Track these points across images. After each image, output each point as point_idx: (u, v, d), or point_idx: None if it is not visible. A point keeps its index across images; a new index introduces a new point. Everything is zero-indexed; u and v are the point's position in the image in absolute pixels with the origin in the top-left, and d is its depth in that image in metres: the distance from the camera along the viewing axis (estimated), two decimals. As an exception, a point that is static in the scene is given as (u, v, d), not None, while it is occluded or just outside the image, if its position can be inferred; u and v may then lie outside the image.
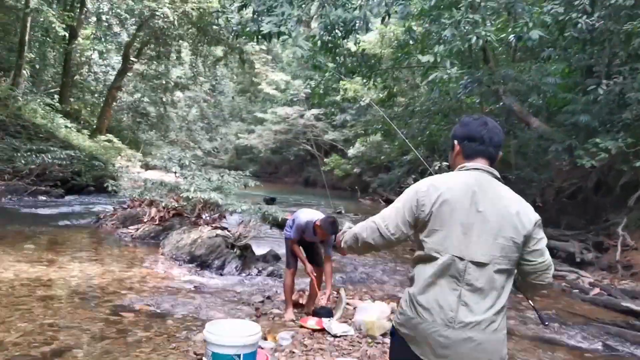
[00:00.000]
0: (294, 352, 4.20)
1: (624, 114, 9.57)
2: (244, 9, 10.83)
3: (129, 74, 27.32)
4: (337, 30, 11.43)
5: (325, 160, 30.17)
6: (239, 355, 3.09)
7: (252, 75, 31.94)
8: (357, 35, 13.34)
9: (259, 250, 8.54)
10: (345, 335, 4.73)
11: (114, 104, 27.37)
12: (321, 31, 11.66)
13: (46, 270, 6.28)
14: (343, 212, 16.08)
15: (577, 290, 8.22)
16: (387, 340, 4.69)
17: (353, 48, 14.11)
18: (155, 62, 28.40)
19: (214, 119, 42.74)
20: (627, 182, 10.57)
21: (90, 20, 26.15)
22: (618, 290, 8.07)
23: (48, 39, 23.17)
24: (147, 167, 19.70)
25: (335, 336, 4.70)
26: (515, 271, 2.14)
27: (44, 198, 13.70)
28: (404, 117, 17.93)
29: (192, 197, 8.52)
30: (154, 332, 4.44)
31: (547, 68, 11.91)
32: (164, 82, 30.05)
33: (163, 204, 9.44)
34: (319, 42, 11.86)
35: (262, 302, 5.90)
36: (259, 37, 10.04)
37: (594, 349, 5.39)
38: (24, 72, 20.34)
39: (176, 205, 9.41)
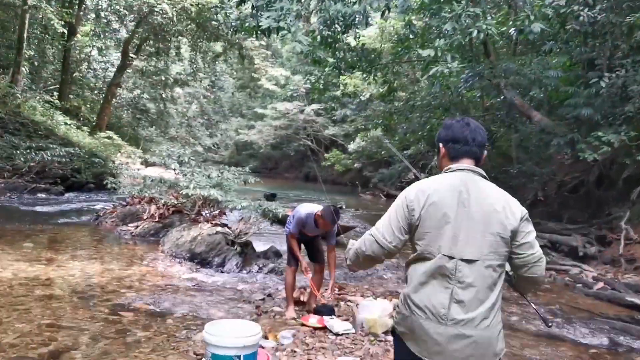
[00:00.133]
0: (295, 352, 4.14)
1: (626, 106, 9.50)
2: (243, 4, 10.74)
3: (129, 70, 27.21)
4: (336, 25, 11.37)
5: (325, 155, 30.12)
6: (239, 357, 3.03)
7: (251, 71, 31.82)
8: (357, 30, 13.28)
9: (259, 246, 8.50)
10: (347, 334, 4.67)
11: (114, 100, 27.25)
12: (320, 26, 11.61)
13: (45, 269, 6.23)
14: (344, 207, 16.02)
15: (580, 285, 8.15)
16: (390, 338, 4.63)
17: (353, 43, 14.03)
18: (154, 59, 28.26)
19: (214, 115, 42.61)
20: (630, 176, 10.51)
21: (89, 16, 26.03)
22: (622, 284, 8.00)
23: (47, 36, 23.04)
24: (147, 163, 19.63)
25: (337, 334, 4.64)
26: (511, 272, 2.23)
27: (43, 195, 13.67)
28: (405, 112, 17.84)
29: (192, 194, 8.47)
30: (153, 332, 4.39)
31: (549, 61, 11.82)
32: (163, 78, 29.92)
33: (163, 201, 9.40)
34: (318, 37, 11.79)
35: (263, 299, 5.84)
36: (258, 32, 9.97)
37: (599, 344, 5.33)
38: (23, 69, 20.25)
39: (176, 202, 9.36)
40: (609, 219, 10.70)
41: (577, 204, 11.94)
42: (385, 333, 4.72)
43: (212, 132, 43.22)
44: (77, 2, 23.46)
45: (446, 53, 9.64)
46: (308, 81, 20.19)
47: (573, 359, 4.82)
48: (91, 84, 29.14)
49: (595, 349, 5.16)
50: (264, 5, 9.46)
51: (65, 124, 19.84)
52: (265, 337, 4.31)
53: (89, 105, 27.88)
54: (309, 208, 5.16)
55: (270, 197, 15.19)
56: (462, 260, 2.03)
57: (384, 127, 21.11)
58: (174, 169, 9.70)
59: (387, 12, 11.32)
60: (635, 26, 9.44)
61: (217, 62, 30.80)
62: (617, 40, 10.52)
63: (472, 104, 16.20)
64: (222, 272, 7.20)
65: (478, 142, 2.19)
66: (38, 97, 19.74)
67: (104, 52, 26.94)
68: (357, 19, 11.23)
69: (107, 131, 23.54)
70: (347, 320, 5.08)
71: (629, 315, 6.46)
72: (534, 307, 2.75)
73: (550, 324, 2.78)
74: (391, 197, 22.69)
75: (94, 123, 24.67)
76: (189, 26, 25.15)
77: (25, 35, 18.95)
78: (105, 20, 25.20)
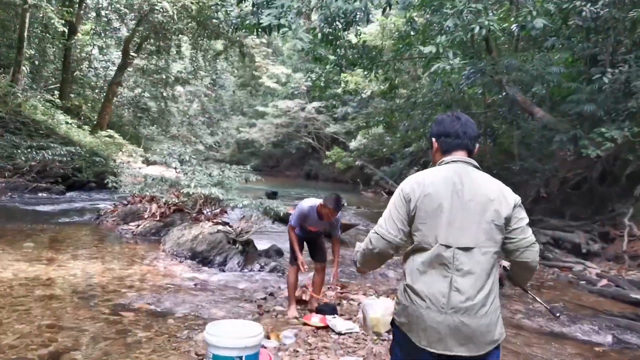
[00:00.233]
0: (297, 351, 4.09)
1: (629, 102, 9.45)
2: (244, 2, 10.69)
3: (129, 69, 27.15)
4: (337, 22, 11.31)
5: (327, 153, 30.06)
6: (240, 357, 2.98)
7: (252, 69, 31.78)
8: (358, 27, 13.23)
9: (261, 245, 8.45)
10: (350, 333, 4.63)
11: (115, 99, 27.19)
12: (321, 23, 11.53)
13: (45, 269, 6.20)
14: (345, 204, 15.96)
15: (584, 282, 8.11)
16: (393, 336, 4.60)
17: (354, 40, 13.97)
18: (155, 57, 28.20)
19: (215, 113, 42.53)
20: (633, 172, 10.45)
21: (89, 15, 25.98)
22: (626, 281, 7.96)
23: (47, 34, 23.02)
24: (148, 162, 19.61)
25: (339, 334, 4.59)
26: (508, 266, 2.36)
27: (44, 195, 13.65)
28: (406, 109, 17.77)
29: (193, 192, 8.42)
30: (154, 332, 4.34)
31: (551, 57, 11.76)
32: (164, 76, 29.86)
33: (164, 200, 9.36)
34: (319, 35, 11.72)
35: (265, 299, 5.79)
36: (259, 30, 9.90)
37: (604, 342, 5.29)
38: (24, 68, 20.23)
39: (177, 201, 9.33)
40: (612, 215, 10.65)
41: (580, 200, 11.88)
42: (389, 332, 4.68)
43: (213, 131, 43.14)
44: (78, 0, 23.41)
45: (448, 49, 9.59)
46: (309, 79, 20.10)
47: (578, 357, 4.77)
48: (92, 83, 29.10)
49: (600, 347, 5.12)
50: (265, 3, 9.41)
51: (66, 123, 19.82)
52: (267, 337, 4.28)
53: (90, 104, 27.84)
54: (311, 202, 5.14)
55: (272, 196, 15.13)
56: (459, 248, 2.08)
57: (385, 125, 21.06)
58: (175, 168, 9.66)
59: (388, 8, 11.27)
60: (638, 21, 9.37)
61: (217, 60, 30.73)
62: (620, 35, 10.46)
63: (473, 101, 16.14)
64: (223, 271, 7.16)
65: (469, 135, 2.26)
66: (39, 96, 19.71)
67: (105, 50, 26.87)
68: (358, 16, 11.17)
69: (108, 130, 23.49)
70: (350, 319, 5.04)
71: (633, 312, 6.40)
72: (539, 300, 2.91)
73: (558, 314, 2.96)
74: (392, 195, 22.59)
75: (95, 122, 24.63)
76: (190, 24, 25.10)
77: (25, 34, 18.93)
78: (106, 19, 25.13)
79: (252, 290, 6.20)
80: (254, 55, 28.00)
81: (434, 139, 2.34)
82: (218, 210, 9.19)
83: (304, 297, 5.61)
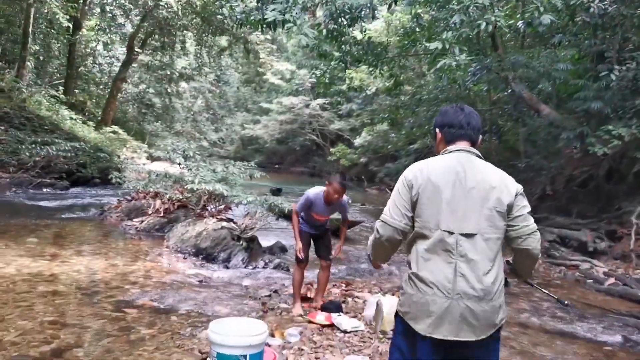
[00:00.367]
0: (302, 350, 4.04)
1: (637, 100, 9.36)
2: (248, -3, 10.63)
3: (134, 65, 27.14)
4: (342, 19, 11.23)
5: (331, 150, 29.99)
6: (245, 356, 2.93)
7: (257, 65, 31.74)
8: (363, 24, 13.13)
9: (265, 242, 8.42)
10: (356, 331, 4.57)
11: (119, 95, 27.19)
12: (326, 19, 11.46)
13: (49, 264, 6.16)
14: (350, 201, 15.91)
15: (591, 280, 8.04)
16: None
17: (359, 36, 13.88)
18: (159, 53, 28.17)
19: (220, 110, 42.53)
20: (640, 170, 10.37)
21: (94, 11, 25.96)
22: (633, 280, 7.88)
23: (52, 30, 23.02)
24: (152, 158, 19.58)
25: (345, 332, 4.54)
26: (511, 260, 2.38)
27: (48, 190, 13.63)
28: (411, 106, 17.68)
29: (197, 188, 8.38)
30: (157, 329, 4.29)
31: (557, 54, 11.66)
32: (168, 72, 29.83)
33: (168, 196, 9.32)
34: (324, 31, 11.65)
35: (269, 296, 5.74)
36: (264, 25, 9.83)
37: (613, 341, 5.21)
38: (28, 64, 20.24)
39: (181, 197, 9.28)
40: (619, 213, 10.55)
41: (587, 198, 11.79)
42: (393, 330, 4.63)
43: (217, 127, 43.15)
44: (82, -4, 23.39)
45: (454, 45, 9.50)
46: (314, 75, 20.05)
47: (587, 357, 4.70)
48: (96, 79, 29.13)
49: (609, 347, 5.05)
50: (269, -2, 9.34)
51: (71, 118, 19.82)
52: (272, 335, 4.22)
53: (94, 100, 27.87)
54: (317, 189, 5.12)
55: (276, 192, 15.10)
56: (462, 234, 2.13)
57: (390, 121, 20.97)
58: (179, 164, 9.61)
59: (393, 4, 11.19)
60: (647, 18, 9.29)
61: (222, 57, 30.71)
62: (628, 32, 10.36)
63: (478, 98, 16.05)
64: (227, 267, 7.11)
65: (472, 125, 2.32)
66: (43, 92, 19.70)
67: (110, 46, 26.85)
68: (363, 12, 11.10)
69: (113, 126, 23.49)
70: (355, 317, 4.99)
71: (642, 311, 6.34)
72: (545, 291, 3.00)
73: (566, 303, 2.97)
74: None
75: (99, 118, 24.64)
76: (194, 20, 25.05)
77: (30, 29, 18.92)
78: (111, 15, 25.11)
79: (256, 287, 6.15)
80: (259, 52, 27.97)
81: (437, 129, 2.40)
82: (222, 207, 9.15)
83: (308, 295, 5.57)
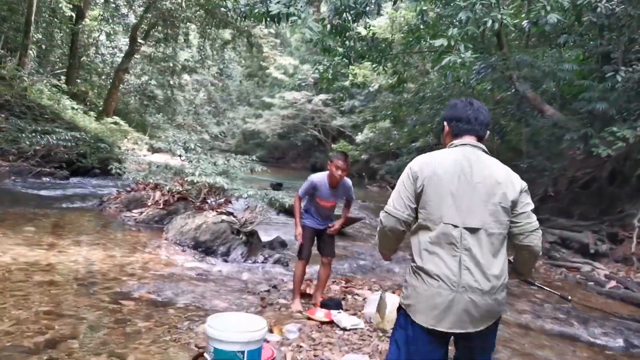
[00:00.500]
0: (301, 347, 3.96)
1: (643, 102, 9.29)
2: (253, -11, 10.51)
3: (136, 56, 27.07)
4: (347, 14, 11.15)
5: (332, 146, 29.91)
6: (242, 352, 2.86)
7: (260, 59, 31.62)
8: (367, 20, 13.03)
9: (265, 236, 8.35)
10: (355, 329, 4.50)
11: (121, 86, 27.12)
12: (331, 14, 11.38)
13: (46, 254, 6.07)
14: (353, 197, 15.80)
15: (592, 283, 7.98)
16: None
17: (363, 32, 13.79)
18: (162, 45, 28.10)
19: (222, 103, 42.45)
20: (644, 173, 10.30)
21: (97, 1, 25.88)
22: (635, 283, 7.82)
23: (55, 19, 22.91)
24: (153, 150, 19.51)
25: (344, 329, 4.47)
26: (512, 258, 2.40)
27: (48, 179, 13.53)
28: (414, 103, 17.60)
29: (197, 181, 8.30)
30: (154, 323, 4.22)
31: (562, 54, 11.58)
32: (171, 64, 29.76)
33: (167, 188, 9.24)
34: (328, 26, 11.56)
35: (268, 291, 5.66)
36: (268, 18, 9.75)
37: (615, 345, 5.15)
38: (30, 52, 20.13)
39: (181, 189, 9.20)
40: (621, 216, 10.49)
41: (589, 200, 11.73)
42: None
43: (219, 120, 43.07)
44: (86, -15, 23.29)
45: (459, 43, 9.43)
46: (317, 71, 19.96)
47: (588, 361, 4.65)
48: (99, 69, 29.03)
49: (611, 351, 4.99)
50: (274, -9, 9.24)
51: (72, 108, 19.74)
52: (270, 331, 4.16)
53: (96, 91, 27.80)
54: (321, 173, 5.07)
55: (277, 187, 15.03)
56: (466, 228, 2.16)
57: (393, 119, 20.88)
58: (180, 155, 9.53)
59: (398, 0, 11.10)
60: (654, 19, 9.20)
61: (225, 50, 30.58)
62: (634, 33, 10.27)
63: (482, 97, 15.94)
64: (226, 261, 7.04)
65: (480, 121, 2.34)
66: (45, 81, 19.62)
67: (112, 37, 26.79)
68: (368, 8, 11.02)
69: (114, 117, 23.43)
70: (355, 314, 4.92)
71: (644, 315, 6.28)
72: (547, 288, 3.05)
73: (569, 297, 3.18)
74: (398, 190, 22.46)
75: (100, 108, 24.57)
76: (198, 12, 24.95)
77: (33, 18, 18.79)
78: (114, 5, 25.05)
79: (255, 282, 6.08)
80: (262, 46, 27.89)
81: (445, 122, 2.43)
82: (222, 200, 9.07)
83: (308, 291, 5.50)
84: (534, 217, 2.28)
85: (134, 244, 7.33)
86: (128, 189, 10.71)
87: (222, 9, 22.79)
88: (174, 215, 8.75)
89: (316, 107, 31.34)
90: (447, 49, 9.54)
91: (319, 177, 5.00)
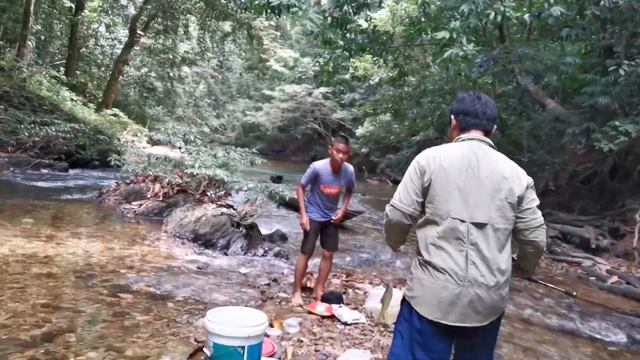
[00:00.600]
0: (302, 341, 3.91)
1: (646, 96, 9.23)
2: (253, -20, 10.41)
3: (136, 47, 26.91)
4: (348, 6, 11.07)
5: (332, 139, 29.81)
6: (243, 347, 2.81)
7: (260, 52, 31.50)
8: (368, 12, 12.93)
9: (265, 229, 8.30)
10: (357, 324, 4.45)
11: (121, 78, 26.99)
12: (332, 6, 11.30)
13: (44, 246, 6.02)
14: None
15: (593, 278, 7.94)
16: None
17: (364, 24, 13.70)
18: (162, 36, 27.95)
19: (222, 96, 42.33)
20: (647, 167, 10.25)
21: (96, -8, 25.72)
22: (636, 278, 7.79)
23: (54, 10, 22.83)
24: (152, 142, 19.44)
25: (345, 324, 4.42)
26: (515, 255, 2.41)
27: (47, 171, 13.48)
28: (415, 97, 17.51)
29: (197, 173, 8.24)
30: (153, 316, 4.16)
31: (564, 48, 11.50)
32: (171, 56, 29.61)
33: (167, 180, 9.17)
34: (329, 18, 11.48)
35: (268, 284, 5.61)
36: (268, 10, 9.66)
37: (618, 341, 5.12)
38: (29, 43, 20.04)
39: (180, 182, 9.15)
40: (622, 210, 10.46)
41: (590, 194, 11.68)
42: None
43: (219, 113, 42.96)
44: (85, -24, 23.15)
45: (462, 35, 9.35)
46: (317, 63, 19.87)
47: (592, 357, 4.60)
48: (98, 61, 28.91)
49: (614, 347, 4.95)
50: (275, -18, 9.15)
51: (71, 99, 19.67)
52: (271, 325, 4.10)
53: (95, 82, 27.69)
54: (322, 160, 5.05)
55: (277, 180, 14.96)
56: (473, 223, 2.16)
57: (394, 112, 20.79)
58: (180, 147, 9.47)
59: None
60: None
61: (225, 42, 30.44)
62: (637, 27, 10.19)
63: (483, 90, 15.83)
64: (226, 254, 6.98)
65: (488, 115, 2.33)
66: (44, 72, 19.54)
67: (112, 28, 26.68)
68: (369, 0, 10.94)
69: (114, 108, 23.36)
70: (356, 309, 4.87)
71: (646, 311, 6.24)
72: (551, 285, 3.19)
73: (574, 293, 3.16)
74: (398, 183, 22.28)
75: (100, 100, 24.47)
76: (198, 4, 24.81)
77: (32, 8, 18.71)
78: (114, -4, 24.88)
79: (255, 275, 6.03)
80: (262, 38, 27.73)
81: (452, 116, 2.42)
82: (222, 193, 9.01)
83: (308, 285, 5.45)
84: (539, 213, 2.29)
85: (133, 236, 7.27)
86: (127, 181, 10.65)
87: (222, 0, 22.66)
88: (173, 207, 8.69)
89: (316, 100, 31.21)
90: (449, 42, 9.47)
91: (321, 163, 4.97)
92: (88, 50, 27.38)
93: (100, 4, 24.80)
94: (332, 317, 4.57)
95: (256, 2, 10.02)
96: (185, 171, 8.78)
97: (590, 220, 10.47)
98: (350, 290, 5.70)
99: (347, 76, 24.20)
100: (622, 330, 5.39)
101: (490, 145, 2.31)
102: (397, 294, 4.51)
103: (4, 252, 5.52)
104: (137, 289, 4.88)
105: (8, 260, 5.24)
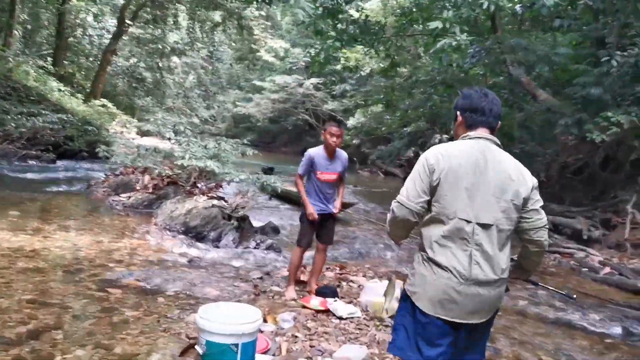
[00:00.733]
0: (296, 337, 3.82)
1: (637, 87, 9.19)
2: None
3: (125, 37, 26.56)
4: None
5: (323, 130, 29.68)
6: (236, 345, 2.72)
7: (250, 42, 31.21)
8: (360, 2, 12.81)
9: (257, 222, 8.20)
10: (352, 318, 4.37)
11: (109, 68, 26.64)
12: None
13: (30, 239, 5.88)
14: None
15: (586, 269, 7.91)
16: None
17: (355, 15, 13.59)
18: (151, 26, 27.59)
19: (212, 87, 42.01)
20: (638, 158, 10.22)
21: (84, -20, 25.33)
22: (629, 269, 7.76)
23: (41, -1, 22.44)
24: (142, 133, 19.23)
25: (340, 318, 4.33)
26: (516, 256, 2.44)
27: (34, 163, 13.30)
28: (407, 88, 17.42)
29: (187, 164, 8.12)
30: (143, 312, 4.05)
31: (557, 39, 11.46)
32: (160, 47, 29.25)
33: (157, 172, 9.03)
34: (320, 8, 11.35)
35: (261, 278, 5.51)
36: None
37: (614, 333, 5.06)
38: (16, 32, 19.72)
39: (170, 173, 9.01)
40: (614, 202, 10.46)
41: (581, 186, 11.69)
42: (392, 317, 4.45)
43: (209, 104, 42.62)
44: (73, -36, 22.78)
45: (455, 25, 9.26)
46: (308, 54, 19.74)
47: (589, 349, 4.55)
48: (86, 51, 28.49)
49: (610, 339, 4.90)
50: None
51: (59, 90, 19.39)
52: (264, 320, 4.00)
53: (83, 72, 27.34)
54: (316, 147, 4.99)
55: (268, 171, 14.82)
56: (479, 224, 2.17)
57: (385, 103, 20.69)
58: (169, 138, 9.32)
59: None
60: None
61: (215, 32, 30.15)
62: (629, 18, 10.15)
63: (474, 81, 15.79)
64: (217, 247, 6.88)
65: (494, 113, 2.33)
66: (31, 62, 19.22)
67: (100, 17, 26.29)
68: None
69: (102, 99, 23.06)
70: (350, 302, 4.79)
71: (640, 302, 6.21)
72: (550, 287, 3.16)
73: (574, 296, 3.21)
74: (389, 175, 22.43)
75: (88, 90, 24.17)
76: (187, -7, 24.52)
77: (18, -3, 18.38)
78: (102, -15, 24.51)
79: (247, 268, 5.92)
80: (253, 28, 27.50)
81: (458, 112, 2.39)
82: (213, 184, 8.89)
83: (301, 278, 5.36)
84: (543, 213, 2.30)
85: (122, 229, 7.15)
86: (116, 172, 10.49)
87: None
88: (163, 199, 8.57)
89: (307, 91, 31.03)
90: (442, 32, 9.37)
91: (315, 150, 4.91)
92: (76, 40, 26.97)
93: (88, -7, 24.46)
94: (326, 311, 4.48)
95: (247, -9, 9.89)
96: (175, 163, 8.66)
97: (582, 212, 10.47)
98: (344, 284, 5.62)
99: (339, 67, 24.06)
100: (617, 323, 5.34)
101: (496, 144, 2.30)
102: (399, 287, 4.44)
103: (-11, 245, 5.39)
104: (126, 283, 4.77)
105: (-7, 254, 5.11)
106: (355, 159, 25.52)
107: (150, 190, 9.07)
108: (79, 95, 21.38)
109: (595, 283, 7.25)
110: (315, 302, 4.60)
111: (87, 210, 8.37)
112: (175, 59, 33.33)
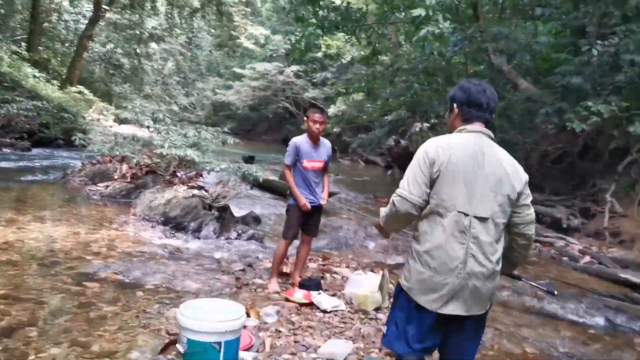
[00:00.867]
0: (280, 331, 3.74)
1: (617, 76, 9.23)
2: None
3: (101, 22, 25.99)
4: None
5: (304, 118, 29.54)
6: (219, 343, 2.63)
7: (230, 29, 30.83)
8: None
9: (238, 211, 8.08)
10: (336, 311, 4.30)
11: (86, 54, 26.08)
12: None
13: (3, 231, 5.70)
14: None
15: (566, 258, 7.97)
16: (381, 315, 4.31)
17: (337, 1, 13.45)
18: (128, 11, 27.07)
19: (191, 74, 41.51)
20: (617, 148, 10.30)
21: (59, -37, 24.75)
22: (608, 258, 7.83)
23: (14, -18, 21.84)
24: (120, 121, 18.89)
25: (325, 312, 4.26)
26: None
27: (8, 151, 12.99)
28: (388, 76, 17.33)
29: (167, 153, 7.96)
30: (121, 307, 3.93)
31: (538, 27, 11.46)
32: (138, 32, 28.75)
33: (135, 161, 8.84)
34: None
35: (243, 270, 5.40)
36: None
37: (596, 324, 5.09)
38: (-12, 17, 19.19)
39: (149, 162, 8.84)
40: (593, 191, 10.56)
41: (561, 175, 11.76)
42: (376, 310, 4.39)
43: (188, 91, 42.15)
44: (47, -53, 22.20)
45: (437, 13, 9.19)
46: (288, 41, 19.53)
47: (572, 340, 4.55)
48: (62, 36, 27.86)
49: (593, 330, 4.92)
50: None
51: (34, 76, 18.94)
52: (247, 314, 3.91)
53: (59, 58, 26.72)
54: (300, 136, 4.94)
55: (249, 160, 14.72)
56: (476, 217, 2.19)
57: (366, 91, 20.62)
58: (148, 126, 9.13)
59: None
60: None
61: (194, 18, 29.71)
62: (609, 7, 10.17)
63: (455, 70, 15.76)
64: (198, 238, 6.76)
65: (491, 107, 2.35)
66: (5, 48, 18.75)
67: (76, 2, 25.69)
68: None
69: (78, 86, 22.61)
70: (334, 295, 4.72)
71: (621, 292, 6.25)
72: (534, 284, 3.18)
73: (555, 292, 3.23)
74: (370, 163, 22.42)
75: (64, 77, 23.65)
76: (165, -22, 24.09)
77: (-11, -20, 17.86)
78: (77, -32, 23.94)
79: (229, 260, 5.81)
80: (232, 14, 27.17)
81: (455, 105, 2.39)
82: (193, 174, 8.74)
83: (284, 270, 5.27)
84: (532, 208, 2.36)
85: (99, 219, 6.98)
86: (93, 161, 10.28)
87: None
88: (142, 189, 8.40)
89: (288, 79, 30.81)
90: (424, 20, 9.30)
91: (300, 138, 4.87)
92: (51, 25, 26.35)
93: (63, -23, 23.90)
94: (310, 304, 4.40)
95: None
96: (154, 151, 8.48)
97: (562, 201, 10.55)
98: (328, 275, 5.54)
99: (319, 54, 23.87)
100: (599, 313, 5.36)
101: (491, 137, 2.33)
102: (377, 279, 4.38)
103: (-40, 238, 5.20)
104: (104, 276, 4.64)
105: (-36, 247, 4.94)
106: (336, 147, 25.40)
107: (129, 180, 8.88)
108: (55, 81, 20.92)
109: (575, 272, 7.29)
110: (299, 295, 4.52)
111: (63, 200, 8.16)
112: (153, 45, 32.81)
